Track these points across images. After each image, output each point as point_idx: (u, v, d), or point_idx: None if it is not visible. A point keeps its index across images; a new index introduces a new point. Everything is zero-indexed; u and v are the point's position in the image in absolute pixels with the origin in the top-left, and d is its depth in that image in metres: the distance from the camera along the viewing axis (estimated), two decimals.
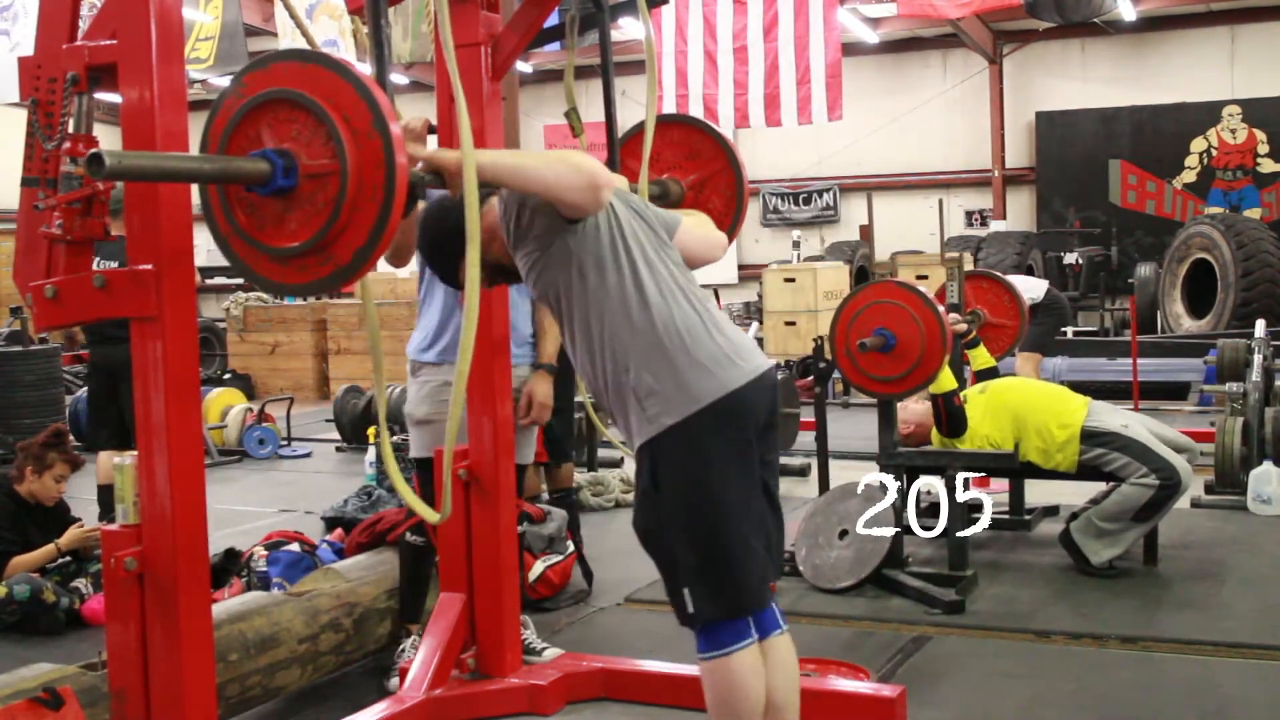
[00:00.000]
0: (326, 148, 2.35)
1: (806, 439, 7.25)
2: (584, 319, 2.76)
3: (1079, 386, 5.69)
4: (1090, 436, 5.03)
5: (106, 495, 6.02)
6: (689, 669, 3.82)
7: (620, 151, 3.66)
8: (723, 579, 2.70)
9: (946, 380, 5.06)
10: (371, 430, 8.04)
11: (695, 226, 3.11)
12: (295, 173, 2.37)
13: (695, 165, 3.65)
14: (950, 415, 5.14)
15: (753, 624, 2.74)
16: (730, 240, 3.64)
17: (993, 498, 6.23)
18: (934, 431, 5.32)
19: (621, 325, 2.72)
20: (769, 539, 2.81)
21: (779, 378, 2.88)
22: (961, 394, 5.34)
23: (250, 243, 2.45)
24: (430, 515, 2.81)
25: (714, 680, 2.74)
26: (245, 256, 2.48)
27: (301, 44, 6.22)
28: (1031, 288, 8.46)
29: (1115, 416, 5.18)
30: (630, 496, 6.50)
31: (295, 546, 5.01)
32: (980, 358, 5.94)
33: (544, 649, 4.05)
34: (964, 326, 5.83)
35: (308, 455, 9.48)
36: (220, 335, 14.35)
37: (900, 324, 4.87)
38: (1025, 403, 5.22)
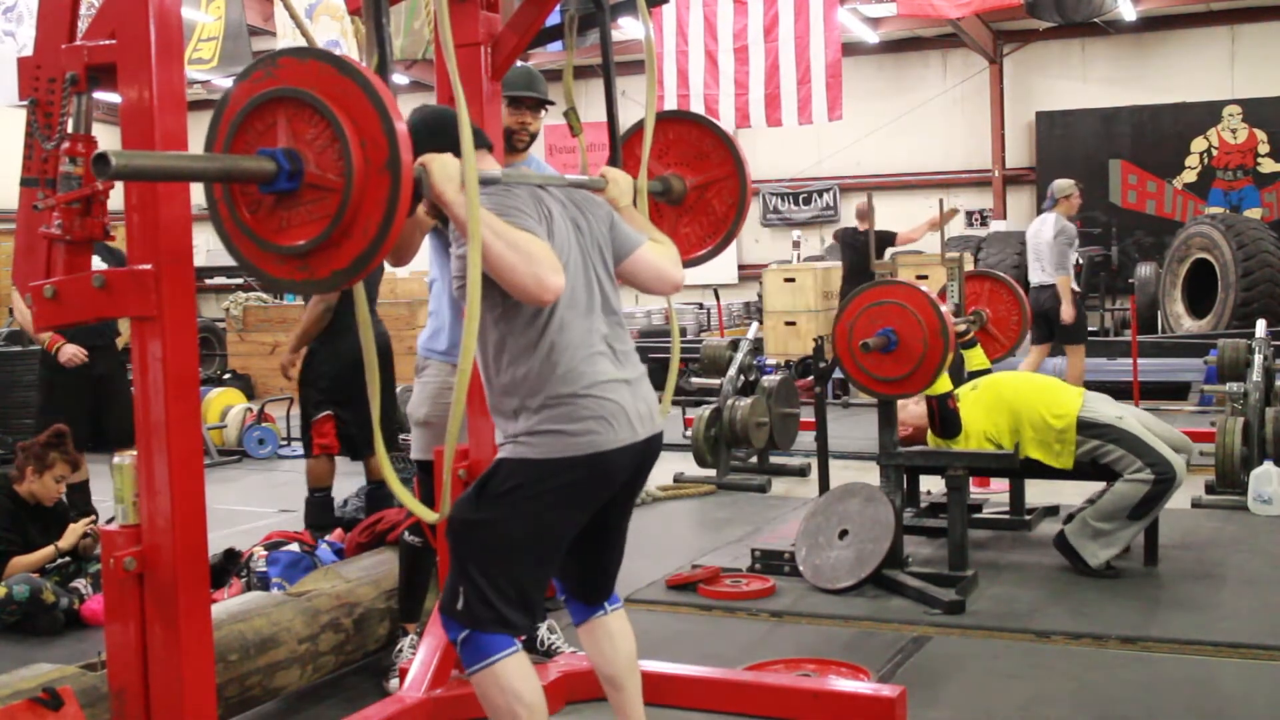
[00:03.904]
0: (335, 165, 2.33)
1: (806, 439, 7.25)
2: (493, 339, 2.80)
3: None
4: (1086, 428, 5.03)
5: None
6: (689, 669, 3.83)
7: (625, 146, 3.64)
8: (492, 599, 2.75)
9: (942, 382, 5.06)
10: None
11: (656, 257, 3.08)
12: (300, 178, 2.36)
13: (704, 166, 3.65)
14: (944, 418, 5.14)
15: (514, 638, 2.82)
16: (723, 248, 3.67)
17: (993, 498, 6.25)
18: (929, 433, 5.32)
19: (518, 368, 2.76)
20: (581, 569, 3.01)
21: (662, 439, 2.97)
22: (954, 393, 5.35)
23: (248, 234, 2.43)
24: (428, 516, 2.81)
25: (485, 691, 2.78)
26: (242, 247, 2.46)
27: (302, 45, 6.21)
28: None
29: (1111, 408, 5.17)
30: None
31: (295, 546, 5.01)
32: (975, 358, 5.94)
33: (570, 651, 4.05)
34: (963, 327, 5.83)
35: None
36: (220, 335, 14.36)
37: (903, 324, 4.87)
38: (1019, 395, 5.21)
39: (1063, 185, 9.15)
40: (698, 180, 3.65)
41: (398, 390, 8.55)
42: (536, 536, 2.79)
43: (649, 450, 2.90)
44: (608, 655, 3.05)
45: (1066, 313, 8.84)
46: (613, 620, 3.06)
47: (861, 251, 10.69)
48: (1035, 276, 9.12)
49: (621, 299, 3.00)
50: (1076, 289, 9.02)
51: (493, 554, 2.77)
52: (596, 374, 2.78)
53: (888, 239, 10.82)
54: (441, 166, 2.60)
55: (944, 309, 4.90)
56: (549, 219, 2.83)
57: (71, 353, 5.93)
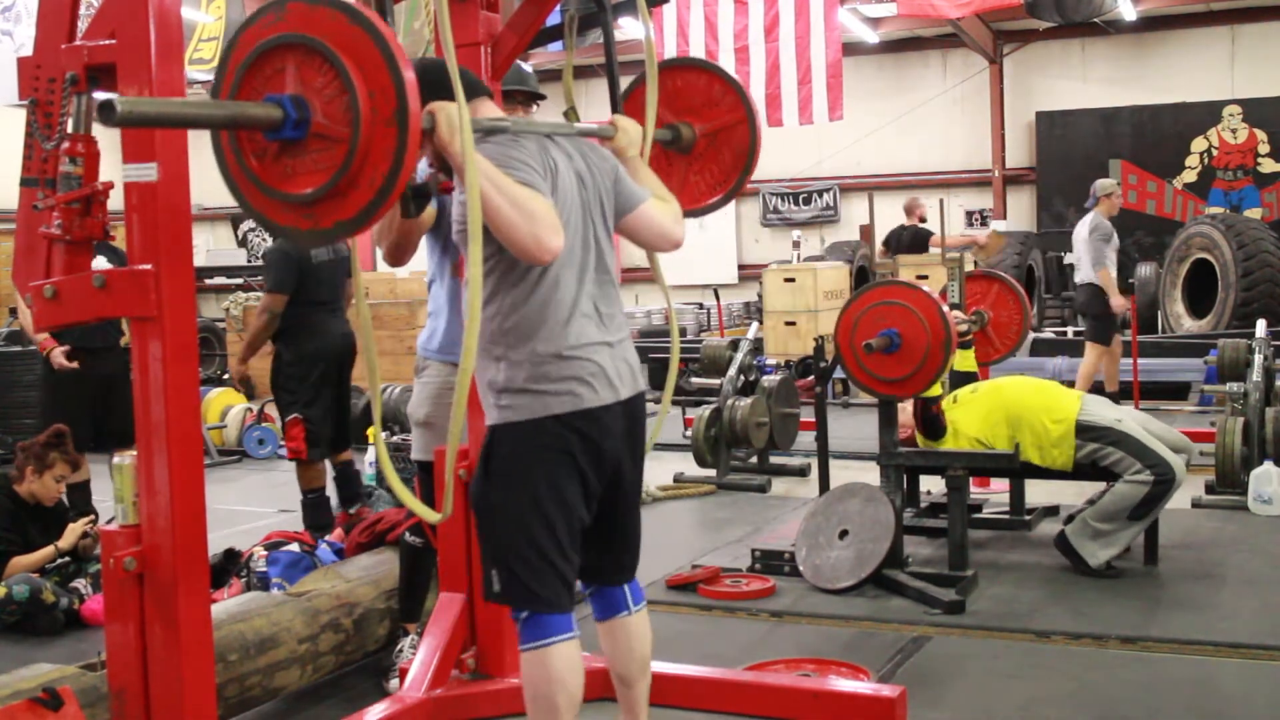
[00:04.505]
0: (343, 116, 2.29)
1: (806, 439, 7.25)
2: (486, 286, 2.79)
3: None
4: (1085, 431, 5.03)
5: None
6: (688, 669, 3.83)
7: (625, 104, 3.61)
8: (520, 574, 2.79)
9: (933, 387, 5.07)
10: (371, 430, 8.03)
11: (659, 214, 3.06)
12: (306, 128, 2.32)
13: (713, 114, 3.62)
14: (926, 420, 5.17)
15: (574, 619, 2.85)
16: (731, 197, 3.64)
17: (993, 498, 6.24)
18: (917, 433, 5.34)
19: (506, 319, 2.78)
20: (602, 548, 2.99)
21: (644, 398, 3.01)
22: (953, 395, 5.35)
23: (254, 181, 2.40)
24: (430, 516, 2.81)
25: (530, 671, 2.81)
26: (247, 193, 2.42)
27: None
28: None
29: (1110, 411, 5.17)
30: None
31: (295, 546, 5.01)
32: (965, 360, 5.93)
33: None
34: (964, 327, 5.83)
35: None
36: (220, 335, 14.34)
37: (906, 325, 4.87)
38: (1018, 400, 5.21)
39: (1104, 184, 9.30)
40: (708, 127, 3.62)
41: (397, 390, 8.58)
42: (543, 498, 2.79)
43: (633, 410, 2.92)
44: (624, 655, 3.06)
45: (1116, 303, 9.28)
46: (635, 621, 3.07)
47: (905, 249, 11.19)
48: (1076, 275, 9.29)
49: (617, 260, 3.00)
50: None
51: (510, 528, 2.79)
52: (579, 335, 2.81)
53: (925, 235, 11.39)
54: (449, 118, 2.57)
55: (947, 310, 4.91)
56: (554, 172, 2.81)
57: (60, 359, 5.90)
